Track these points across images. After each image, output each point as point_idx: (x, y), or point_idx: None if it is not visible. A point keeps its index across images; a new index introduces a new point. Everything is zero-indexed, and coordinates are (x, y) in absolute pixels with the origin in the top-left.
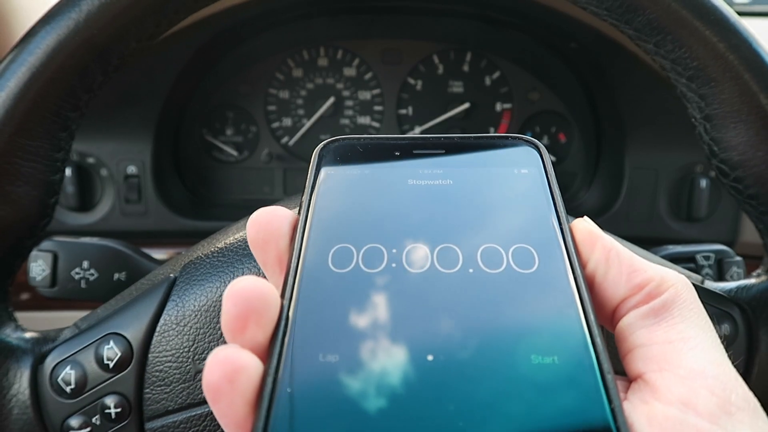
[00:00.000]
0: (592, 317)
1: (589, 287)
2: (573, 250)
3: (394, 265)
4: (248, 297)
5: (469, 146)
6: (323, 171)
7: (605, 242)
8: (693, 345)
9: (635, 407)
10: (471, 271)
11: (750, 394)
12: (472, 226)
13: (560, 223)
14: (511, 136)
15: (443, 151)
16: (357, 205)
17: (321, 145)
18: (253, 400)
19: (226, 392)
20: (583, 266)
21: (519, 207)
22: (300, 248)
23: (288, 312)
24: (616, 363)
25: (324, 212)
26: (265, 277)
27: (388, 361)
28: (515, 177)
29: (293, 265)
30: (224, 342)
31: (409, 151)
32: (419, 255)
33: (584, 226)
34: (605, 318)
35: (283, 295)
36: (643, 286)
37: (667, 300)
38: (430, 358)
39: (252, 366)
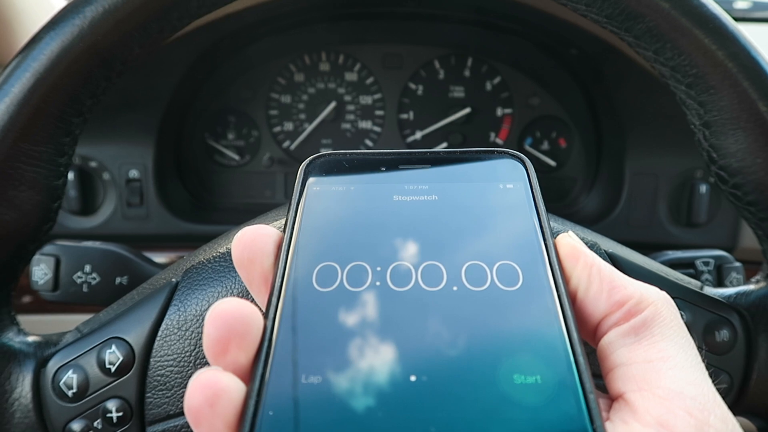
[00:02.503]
0: (575, 336)
1: (572, 304)
2: (557, 268)
3: (378, 283)
4: (229, 320)
5: (455, 161)
6: (308, 188)
7: (587, 258)
8: (672, 364)
9: (616, 427)
10: (455, 288)
11: (729, 415)
12: (457, 243)
13: (545, 240)
14: (497, 151)
15: (429, 166)
16: (342, 222)
17: (306, 161)
18: (234, 424)
19: (206, 416)
20: (566, 283)
21: (504, 223)
22: (284, 267)
23: (271, 333)
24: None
25: (309, 230)
26: (250, 297)
27: (371, 382)
28: (501, 192)
29: (277, 284)
30: None
31: (394, 166)
32: (403, 273)
33: (568, 242)
34: (588, 334)
35: (266, 316)
36: (623, 303)
37: (647, 318)
38: (413, 378)
39: (233, 389)
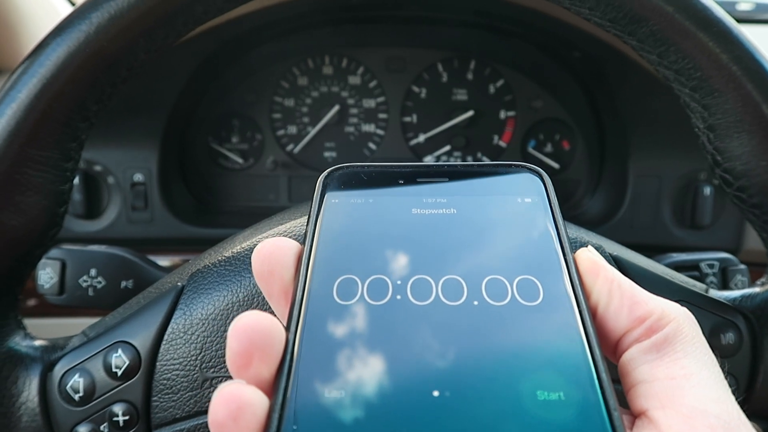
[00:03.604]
0: (597, 352)
1: (593, 319)
2: (577, 282)
3: (398, 297)
4: (251, 334)
5: (473, 174)
6: (327, 200)
7: (608, 273)
8: (695, 382)
9: None
10: (476, 303)
11: None
12: (477, 257)
13: (564, 254)
14: (514, 164)
15: (447, 180)
16: (361, 235)
17: (325, 173)
18: None
19: (230, 430)
20: (587, 298)
21: (523, 237)
22: (305, 280)
23: (293, 346)
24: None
25: (328, 243)
26: (270, 309)
27: (393, 397)
28: (519, 206)
29: (298, 297)
30: None
31: (413, 179)
32: (424, 287)
33: (588, 256)
34: (608, 350)
35: (288, 329)
36: (644, 319)
37: (669, 334)
38: (435, 393)
39: (257, 402)
